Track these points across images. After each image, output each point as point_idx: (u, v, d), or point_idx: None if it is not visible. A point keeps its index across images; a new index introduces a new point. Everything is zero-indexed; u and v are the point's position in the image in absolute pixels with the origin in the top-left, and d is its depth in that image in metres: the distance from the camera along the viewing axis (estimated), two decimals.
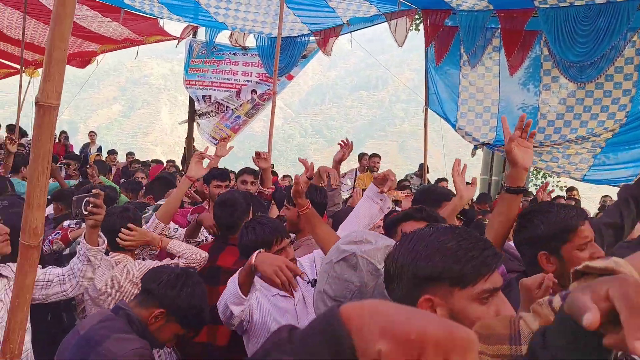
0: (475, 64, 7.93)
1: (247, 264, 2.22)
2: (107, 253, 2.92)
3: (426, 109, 8.71)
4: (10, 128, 12.28)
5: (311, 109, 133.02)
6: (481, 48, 7.83)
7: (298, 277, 2.15)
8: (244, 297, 2.25)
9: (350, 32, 9.10)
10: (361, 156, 9.33)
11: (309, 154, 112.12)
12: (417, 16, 8.62)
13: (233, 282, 2.28)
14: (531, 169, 10.78)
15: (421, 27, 9.91)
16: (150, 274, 2.16)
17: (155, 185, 5.22)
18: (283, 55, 8.99)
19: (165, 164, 11.76)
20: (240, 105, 10.23)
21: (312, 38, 9.52)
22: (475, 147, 8.48)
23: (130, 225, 2.88)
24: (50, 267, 2.48)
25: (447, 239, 1.24)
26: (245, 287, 2.25)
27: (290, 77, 10.20)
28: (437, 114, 8.57)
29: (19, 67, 10.01)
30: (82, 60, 11.81)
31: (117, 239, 2.87)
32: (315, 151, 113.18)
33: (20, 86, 9.49)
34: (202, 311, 2.16)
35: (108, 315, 2.00)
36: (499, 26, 7.59)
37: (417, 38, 10.09)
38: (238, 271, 2.29)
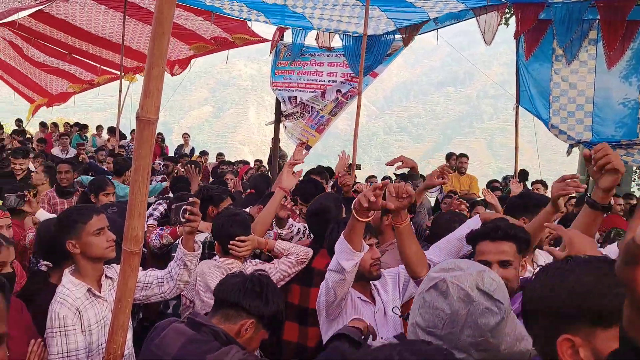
0: (571, 58, 7.51)
1: (350, 221, 2.17)
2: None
3: (517, 107, 8.35)
4: (111, 130, 13.14)
5: (396, 106, 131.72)
6: (577, 41, 7.40)
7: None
8: (355, 250, 2.19)
9: (437, 29, 8.90)
10: (449, 156, 9.10)
11: (393, 151, 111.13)
12: (507, 10, 8.27)
13: (340, 241, 2.23)
14: (634, 168, 10.03)
15: (511, 21, 9.51)
16: (228, 286, 2.05)
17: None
18: (368, 54, 8.96)
19: (252, 164, 12.10)
20: (325, 106, 10.33)
21: (397, 36, 9.41)
22: (571, 146, 8.01)
23: (241, 237, 2.92)
24: (150, 269, 2.61)
25: (585, 274, 1.13)
26: (356, 241, 2.19)
27: (375, 75, 10.13)
28: (529, 111, 8.18)
29: (119, 73, 10.68)
30: (175, 66, 12.36)
31: (229, 248, 2.93)
32: (399, 148, 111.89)
33: (120, 91, 10.23)
34: (283, 312, 2.15)
35: (191, 335, 1.89)
36: (598, 17, 7.12)
37: (506, 31, 9.70)
38: (342, 232, 2.24)
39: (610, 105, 7.43)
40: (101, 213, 2.44)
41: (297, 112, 10.56)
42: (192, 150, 14.09)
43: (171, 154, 13.89)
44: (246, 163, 11.55)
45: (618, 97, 7.37)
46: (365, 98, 7.93)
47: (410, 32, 9.13)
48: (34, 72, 14.74)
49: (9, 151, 8.39)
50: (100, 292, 2.38)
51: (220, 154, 13.78)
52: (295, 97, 10.44)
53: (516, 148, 8.70)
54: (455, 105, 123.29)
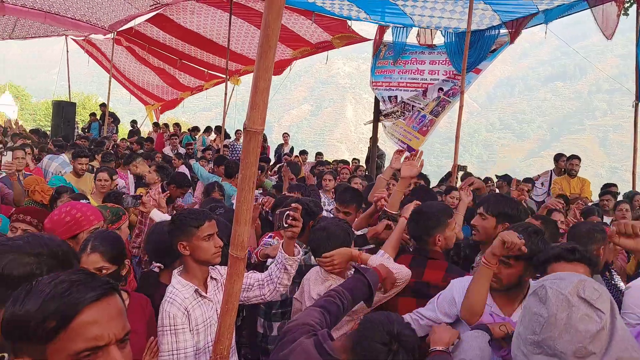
0: None
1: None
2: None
3: (637, 104, 7.69)
4: (218, 129, 13.77)
5: (499, 103, 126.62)
6: None
7: None
8: None
9: (546, 23, 8.40)
10: (558, 157, 8.56)
11: (495, 149, 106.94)
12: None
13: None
14: None
15: (631, 10, 8.78)
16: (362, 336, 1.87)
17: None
18: (471, 51, 8.65)
19: (350, 163, 12.12)
20: (426, 105, 10.12)
21: (502, 31, 9.01)
22: None
23: (326, 254, 2.79)
24: (251, 271, 2.68)
25: None
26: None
27: (478, 72, 9.76)
28: None
29: (224, 76, 11.23)
30: (278, 69, 12.72)
31: (318, 263, 2.86)
32: (502, 146, 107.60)
33: (226, 94, 10.78)
34: None
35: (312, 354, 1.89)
36: None
37: (623, 21, 8.95)
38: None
39: None
40: (213, 219, 2.51)
41: (397, 111, 10.44)
42: (292, 149, 14.37)
43: (272, 153, 14.28)
44: (346, 163, 11.57)
45: None
46: (467, 95, 7.69)
47: (516, 26, 8.71)
48: (147, 78, 15.87)
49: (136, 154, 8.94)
50: (206, 293, 2.47)
51: (319, 154, 13.94)
52: (396, 97, 10.33)
53: (635, 148, 8.07)
54: (564, 101, 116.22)
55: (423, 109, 10.15)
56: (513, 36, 8.79)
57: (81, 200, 3.42)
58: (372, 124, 11.15)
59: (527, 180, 8.46)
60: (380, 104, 10.72)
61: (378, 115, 10.89)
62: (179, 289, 2.41)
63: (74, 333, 1.06)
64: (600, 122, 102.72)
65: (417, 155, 3.66)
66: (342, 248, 2.82)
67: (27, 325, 1.05)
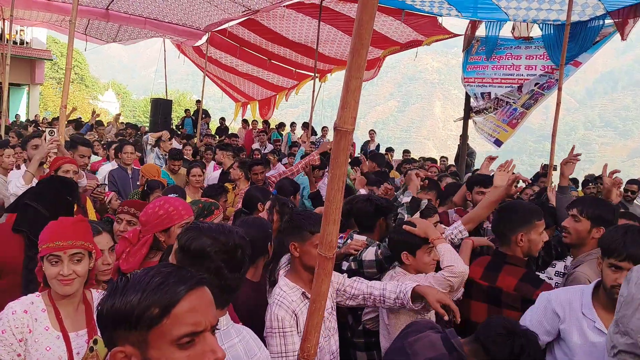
0: None
1: None
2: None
3: None
4: (305, 125, 13.99)
5: (600, 98, 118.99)
6: None
7: None
8: None
9: None
10: None
11: (594, 148, 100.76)
12: None
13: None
14: None
15: None
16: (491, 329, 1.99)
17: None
18: (572, 44, 8.13)
19: (438, 162, 11.86)
20: (519, 99, 9.66)
21: (607, 21, 8.39)
22: None
23: (412, 220, 2.90)
24: (356, 279, 2.71)
25: None
26: None
27: (577, 64, 9.14)
28: None
29: (312, 74, 11.45)
30: (367, 69, 12.73)
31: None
32: (602, 145, 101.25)
33: (314, 91, 10.97)
34: None
35: (439, 355, 1.95)
36: None
37: None
38: None
39: None
40: None
41: (490, 107, 10.06)
42: (378, 146, 14.30)
43: (358, 150, 14.30)
44: (433, 161, 11.31)
45: None
46: (564, 90, 7.25)
47: (625, 15, 8.08)
48: (238, 78, 16.47)
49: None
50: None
51: (406, 151, 13.78)
52: (489, 93, 9.92)
53: None
54: None
55: (515, 103, 9.69)
56: (621, 28, 8.15)
57: (173, 195, 3.63)
58: (462, 120, 10.82)
59: (633, 182, 7.84)
60: (472, 100, 10.36)
61: (469, 112, 10.54)
62: (286, 291, 2.45)
63: (176, 319, 1.12)
64: None
65: (509, 165, 3.50)
66: (426, 222, 2.85)
67: (131, 314, 1.11)
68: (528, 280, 2.64)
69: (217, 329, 1.57)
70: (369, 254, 3.07)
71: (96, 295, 2.29)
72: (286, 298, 2.40)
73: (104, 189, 4.82)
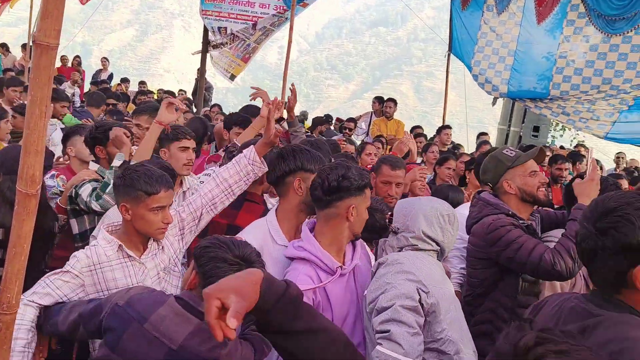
0: (502, 9, 7.56)
1: None
2: None
3: (449, 54, 8.40)
4: (24, 47, 12.03)
5: (327, 43, 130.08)
6: None
7: None
8: None
9: None
10: (376, 100, 9.07)
11: (322, 89, 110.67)
12: None
13: None
14: (552, 121, 10.45)
15: None
16: None
17: None
18: None
19: (176, 94, 11.57)
20: (252, 35, 9.85)
21: None
22: (495, 98, 8.18)
23: None
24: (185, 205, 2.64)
25: None
26: None
27: (305, 5, 9.64)
28: (459, 59, 8.26)
29: None
30: None
31: None
32: (329, 87, 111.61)
33: (31, 7, 9.37)
34: None
35: None
36: None
37: None
38: None
39: (533, 58, 7.51)
40: (171, 189, 2.24)
41: (227, 43, 10.05)
42: (111, 76, 13.23)
43: (88, 78, 13.00)
44: (171, 93, 10.96)
45: (542, 51, 7.46)
46: (297, 32, 7.66)
47: None
48: None
49: None
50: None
51: (142, 82, 13.04)
52: (226, 28, 9.86)
53: (445, 95, 8.88)
54: (386, 46, 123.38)
55: (248, 39, 9.87)
56: None
57: None
58: (200, 54, 10.63)
59: (351, 120, 8.91)
60: (210, 34, 10.21)
61: (207, 45, 10.39)
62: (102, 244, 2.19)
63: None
64: (415, 69, 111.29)
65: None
66: None
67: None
68: None
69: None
70: (85, 191, 2.78)
71: None
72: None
73: None
